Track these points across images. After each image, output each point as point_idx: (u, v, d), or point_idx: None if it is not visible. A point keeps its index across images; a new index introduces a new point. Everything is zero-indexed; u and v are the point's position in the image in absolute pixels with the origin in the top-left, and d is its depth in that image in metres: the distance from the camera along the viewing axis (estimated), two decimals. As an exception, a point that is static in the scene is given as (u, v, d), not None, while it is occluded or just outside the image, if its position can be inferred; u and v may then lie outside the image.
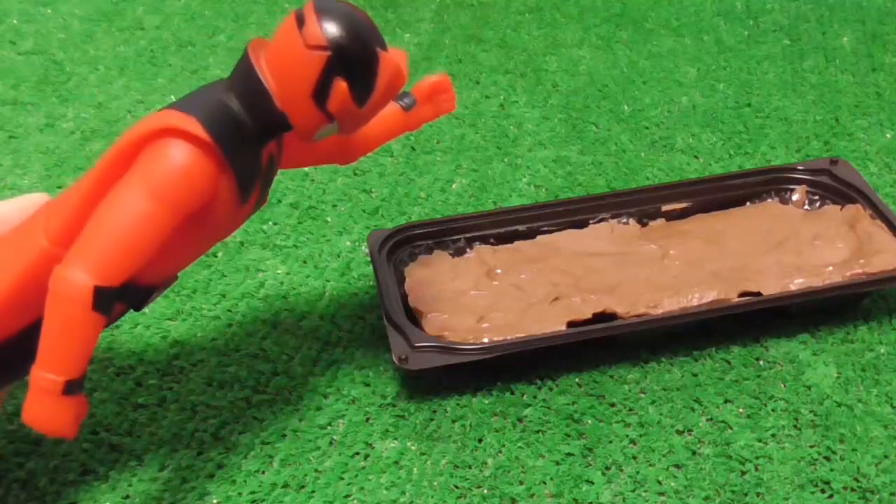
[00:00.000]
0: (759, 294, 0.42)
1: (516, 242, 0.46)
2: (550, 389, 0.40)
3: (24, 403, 0.29)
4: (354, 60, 0.30)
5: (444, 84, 0.39)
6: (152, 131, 0.29)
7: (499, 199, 0.50)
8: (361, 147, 0.38)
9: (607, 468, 0.37)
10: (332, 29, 0.29)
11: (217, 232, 0.33)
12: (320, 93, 0.30)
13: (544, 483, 0.36)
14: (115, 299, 0.30)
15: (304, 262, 0.46)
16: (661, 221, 0.47)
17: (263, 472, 0.37)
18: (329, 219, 0.49)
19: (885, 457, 0.37)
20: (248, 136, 0.31)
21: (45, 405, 0.29)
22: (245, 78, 0.30)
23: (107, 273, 0.29)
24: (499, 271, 0.44)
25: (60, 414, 0.29)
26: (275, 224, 0.48)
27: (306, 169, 0.52)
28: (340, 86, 0.30)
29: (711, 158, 0.53)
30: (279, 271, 0.46)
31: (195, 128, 0.29)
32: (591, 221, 0.47)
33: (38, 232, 0.31)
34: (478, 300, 0.42)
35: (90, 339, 0.29)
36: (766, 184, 0.48)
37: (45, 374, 0.29)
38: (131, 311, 0.33)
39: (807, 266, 0.43)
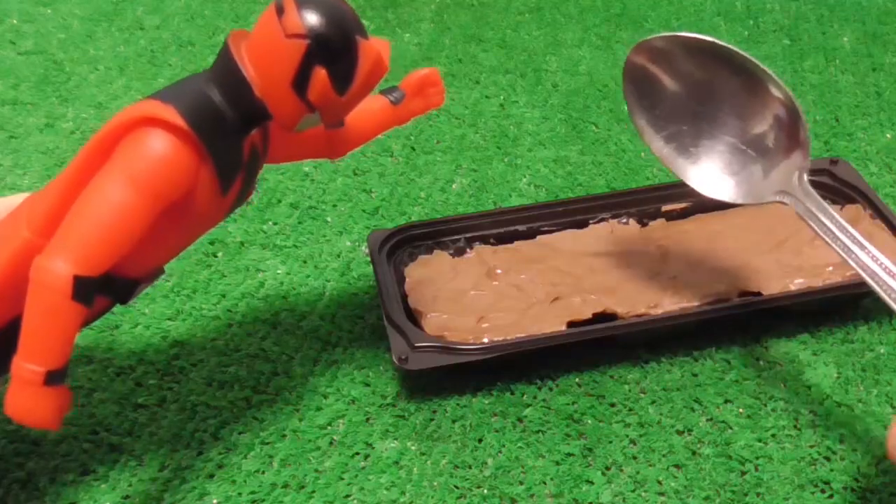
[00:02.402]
0: (759, 294, 0.42)
1: (516, 242, 0.46)
2: (550, 389, 0.40)
3: (5, 394, 0.29)
4: (334, 49, 0.30)
5: (432, 77, 0.39)
6: (131, 121, 0.30)
7: (499, 199, 0.50)
8: (350, 141, 0.38)
9: (607, 468, 0.37)
10: (310, 17, 0.29)
11: (199, 223, 0.33)
12: (300, 81, 0.30)
13: (544, 483, 0.36)
14: (97, 290, 0.30)
15: (304, 262, 0.46)
16: (661, 221, 0.47)
17: (263, 472, 0.37)
18: (329, 219, 0.49)
19: (885, 457, 0.37)
20: (228, 126, 0.31)
21: (26, 396, 0.29)
22: (225, 68, 0.31)
23: (87, 262, 0.29)
24: (499, 271, 0.44)
25: (42, 405, 0.30)
26: (275, 224, 0.48)
27: (306, 169, 0.52)
28: (320, 74, 0.30)
29: (711, 158, 0.53)
30: (279, 271, 0.46)
31: (173, 117, 0.29)
32: (591, 221, 0.47)
33: (20, 223, 0.31)
34: (478, 300, 0.42)
35: (70, 329, 0.29)
36: (766, 184, 0.48)
37: (26, 365, 0.29)
38: (120, 305, 0.33)
39: (807, 266, 0.44)
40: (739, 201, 0.39)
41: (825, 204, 0.36)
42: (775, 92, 0.38)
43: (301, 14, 0.29)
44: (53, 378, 0.29)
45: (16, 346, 0.29)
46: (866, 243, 0.35)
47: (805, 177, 0.37)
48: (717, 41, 0.38)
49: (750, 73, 0.38)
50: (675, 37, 0.39)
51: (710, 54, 0.39)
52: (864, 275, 0.34)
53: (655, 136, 0.40)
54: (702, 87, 0.39)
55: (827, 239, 0.36)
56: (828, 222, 0.36)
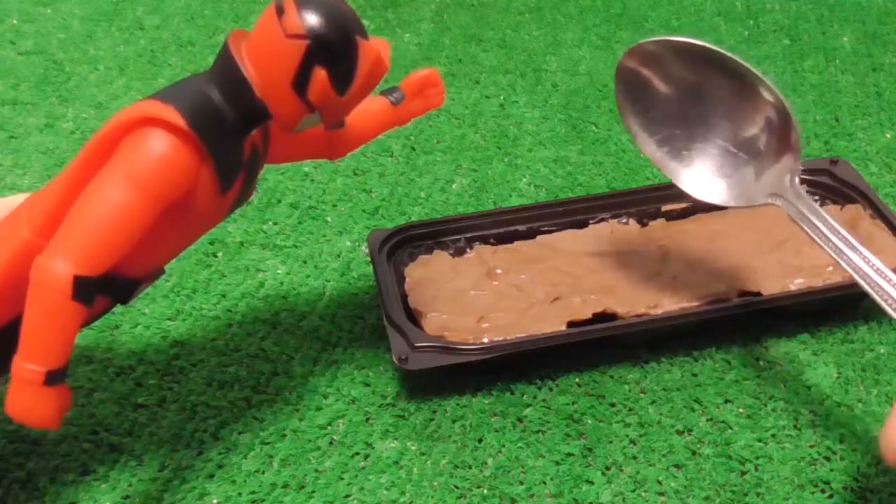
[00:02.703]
0: (759, 294, 0.42)
1: (516, 242, 0.46)
2: (550, 389, 0.40)
3: (6, 394, 0.29)
4: (333, 49, 0.30)
5: (432, 78, 0.39)
6: (131, 121, 0.30)
7: (499, 199, 0.50)
8: (350, 141, 0.38)
9: (607, 468, 0.37)
10: (310, 18, 0.29)
11: (199, 223, 0.33)
12: (300, 82, 0.30)
13: (544, 483, 0.36)
14: (97, 290, 0.30)
15: (304, 262, 0.46)
16: (661, 221, 0.47)
17: (263, 472, 0.37)
18: (329, 219, 0.49)
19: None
20: (228, 127, 0.31)
21: (26, 396, 0.29)
22: (225, 68, 0.31)
23: (87, 262, 0.29)
24: (499, 271, 0.44)
25: (42, 405, 0.30)
26: (275, 224, 0.48)
27: (306, 169, 0.52)
28: (320, 74, 0.30)
29: (711, 158, 0.53)
30: (279, 271, 0.46)
31: (174, 116, 0.29)
32: (591, 221, 0.47)
33: (20, 223, 0.31)
34: (478, 300, 0.42)
35: (71, 329, 0.29)
36: (766, 184, 0.48)
37: (26, 365, 0.29)
38: (120, 305, 0.33)
39: (807, 266, 0.43)
40: (732, 204, 0.40)
41: (817, 206, 0.37)
42: (767, 95, 0.38)
43: (301, 14, 0.29)
44: (54, 378, 0.29)
45: (16, 346, 0.29)
46: (858, 245, 0.35)
47: (797, 179, 0.38)
48: (708, 45, 0.38)
49: (741, 76, 0.38)
50: (667, 41, 0.39)
51: (702, 58, 0.39)
52: (856, 276, 0.34)
53: (648, 140, 0.41)
54: (694, 90, 0.40)
55: (818, 241, 0.36)
56: (819, 224, 0.36)
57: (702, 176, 0.40)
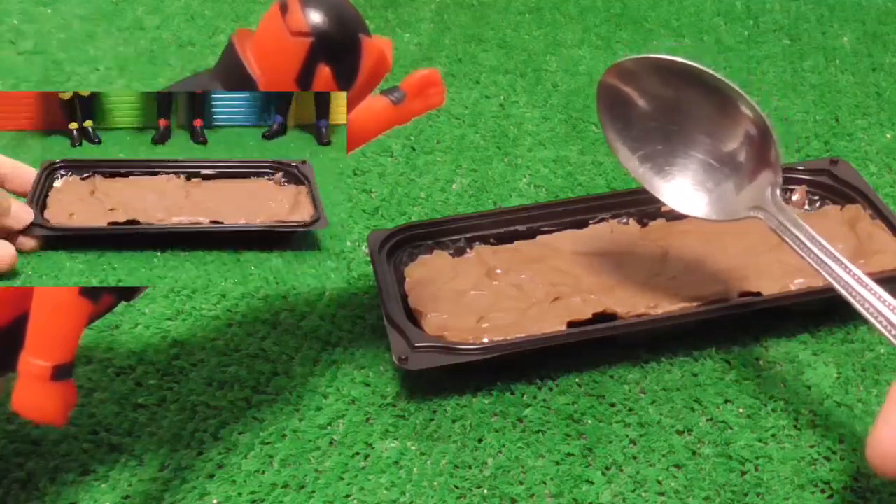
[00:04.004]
0: (759, 294, 0.42)
1: (516, 242, 0.46)
2: (550, 389, 0.40)
3: (13, 390, 0.30)
4: (337, 46, 0.30)
5: (433, 78, 0.39)
6: None
7: (499, 199, 0.50)
8: (352, 141, 0.38)
9: (607, 468, 0.37)
10: (314, 16, 0.30)
11: None
12: (304, 79, 0.30)
13: (544, 483, 0.36)
14: (104, 287, 0.30)
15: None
16: (661, 221, 0.47)
17: (263, 472, 0.37)
18: (329, 219, 0.49)
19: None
20: None
21: (33, 391, 0.30)
22: (230, 66, 0.31)
23: None
24: (499, 271, 0.44)
25: (49, 400, 0.30)
26: (275, 224, 0.48)
27: (306, 169, 0.52)
28: (324, 71, 0.30)
29: (711, 158, 0.53)
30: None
31: None
32: (591, 221, 0.47)
33: None
34: (478, 300, 0.42)
35: (78, 324, 0.30)
36: (766, 184, 0.48)
37: (34, 360, 0.29)
38: (124, 303, 0.33)
39: (806, 266, 0.43)
40: (714, 217, 0.40)
41: (798, 218, 0.37)
42: (746, 111, 0.38)
43: (305, 12, 0.30)
44: (61, 373, 0.30)
45: (19, 344, 0.29)
46: (839, 255, 0.35)
47: (777, 192, 0.38)
48: (687, 62, 0.38)
49: (721, 92, 0.38)
50: (647, 59, 0.39)
51: (682, 75, 0.39)
52: (836, 286, 0.35)
53: (631, 157, 0.41)
54: (674, 107, 0.40)
55: (800, 251, 0.36)
56: (800, 235, 0.36)
57: (684, 190, 0.40)
